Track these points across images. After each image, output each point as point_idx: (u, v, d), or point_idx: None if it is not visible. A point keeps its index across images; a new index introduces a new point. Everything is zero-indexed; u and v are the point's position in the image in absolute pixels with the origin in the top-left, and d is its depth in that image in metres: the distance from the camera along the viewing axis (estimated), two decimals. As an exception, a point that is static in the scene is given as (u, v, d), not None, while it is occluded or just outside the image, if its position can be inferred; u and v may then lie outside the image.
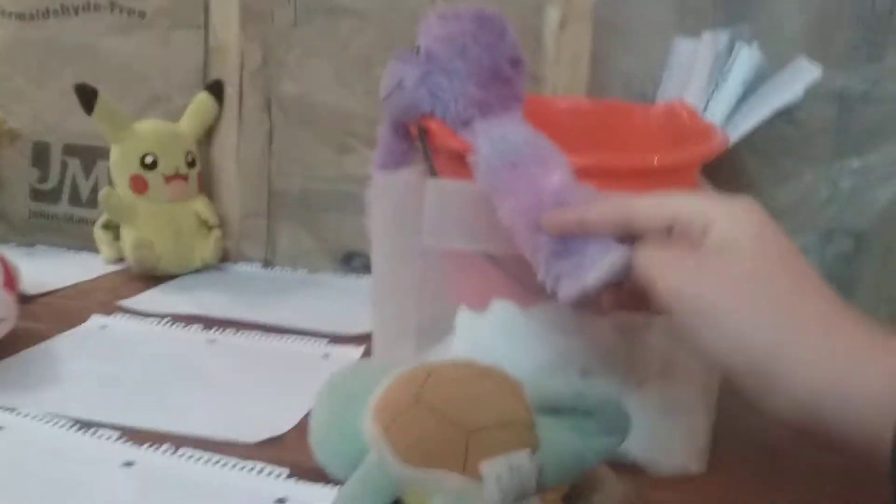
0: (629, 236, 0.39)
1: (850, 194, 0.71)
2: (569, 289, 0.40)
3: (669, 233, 0.37)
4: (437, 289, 0.52)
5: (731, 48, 0.61)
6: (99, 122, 0.81)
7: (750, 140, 0.67)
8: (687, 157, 0.49)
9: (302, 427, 0.51)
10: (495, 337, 0.50)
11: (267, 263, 0.90)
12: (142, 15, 0.89)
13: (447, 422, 0.38)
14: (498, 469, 0.36)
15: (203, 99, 0.87)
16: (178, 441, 0.49)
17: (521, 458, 0.37)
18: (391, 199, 0.51)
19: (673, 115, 0.58)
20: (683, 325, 0.35)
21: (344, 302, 0.79)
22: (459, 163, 0.49)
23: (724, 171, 0.59)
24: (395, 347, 0.53)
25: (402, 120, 0.52)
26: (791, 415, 0.32)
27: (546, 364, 0.49)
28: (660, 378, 0.49)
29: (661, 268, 0.36)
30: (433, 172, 0.49)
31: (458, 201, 0.47)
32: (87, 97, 0.79)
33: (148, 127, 0.84)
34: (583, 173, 0.45)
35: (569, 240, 0.40)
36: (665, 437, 0.48)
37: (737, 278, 0.34)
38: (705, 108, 0.60)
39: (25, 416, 0.51)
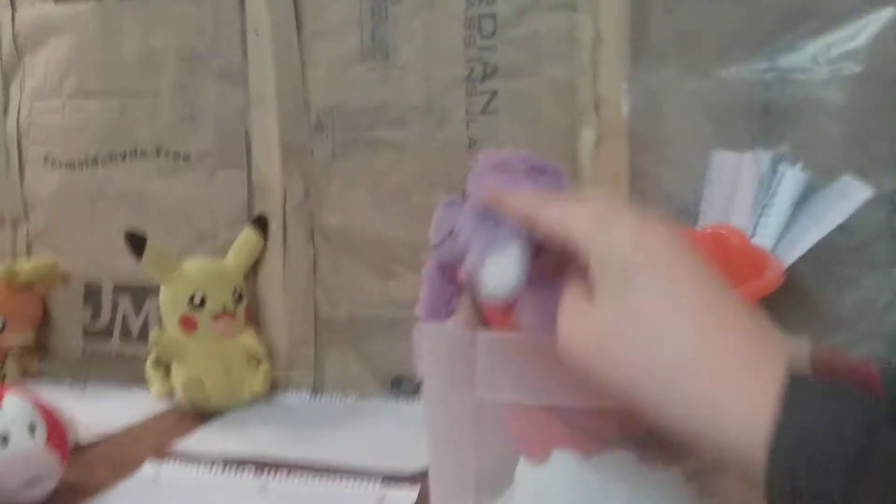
0: None
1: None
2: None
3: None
4: (494, 438, 0.50)
5: (774, 168, 0.61)
6: (148, 268, 0.83)
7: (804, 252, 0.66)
8: (749, 293, 0.48)
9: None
10: (558, 490, 0.48)
11: (316, 391, 0.90)
12: (186, 158, 0.92)
13: None
14: None
15: (248, 234, 0.88)
16: None
17: None
18: (440, 351, 0.50)
19: (721, 239, 0.58)
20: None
21: (395, 430, 0.77)
22: (511, 313, 0.48)
23: (781, 283, 0.58)
24: (453, 499, 0.51)
25: (451, 264, 0.52)
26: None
27: (613, 517, 0.47)
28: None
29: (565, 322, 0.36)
30: (484, 322, 0.49)
31: (512, 354, 0.46)
32: (136, 245, 0.81)
33: (195, 267, 0.85)
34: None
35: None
36: None
37: (625, 317, 0.33)
38: (754, 232, 0.59)
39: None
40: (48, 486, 0.60)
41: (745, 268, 0.52)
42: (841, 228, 0.68)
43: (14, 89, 1.00)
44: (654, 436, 0.49)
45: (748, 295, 0.49)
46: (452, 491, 0.52)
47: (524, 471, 0.50)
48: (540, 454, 0.49)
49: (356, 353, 0.89)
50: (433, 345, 0.50)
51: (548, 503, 0.48)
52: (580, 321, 0.35)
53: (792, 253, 0.58)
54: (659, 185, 0.75)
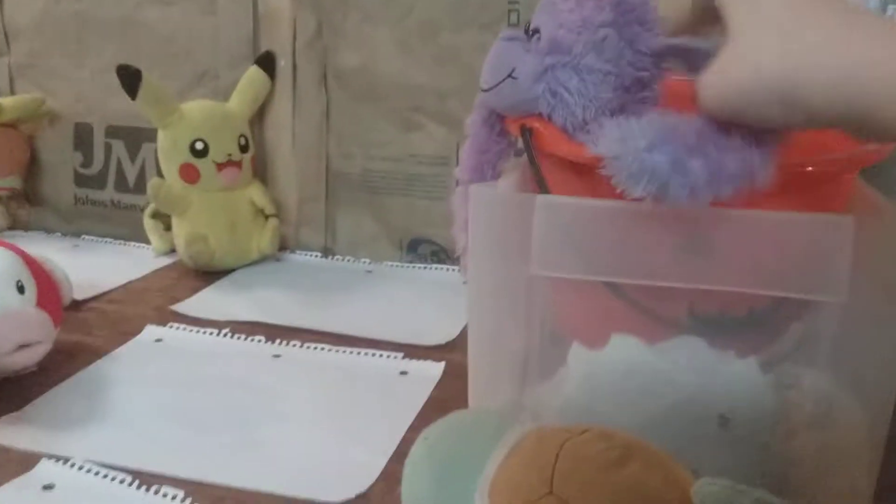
0: None
1: None
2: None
3: None
4: (545, 318, 0.44)
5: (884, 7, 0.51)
6: (144, 107, 0.74)
7: None
8: (848, 161, 0.40)
9: (389, 478, 0.45)
10: (616, 376, 0.42)
11: (327, 252, 0.83)
12: (184, -19, 0.80)
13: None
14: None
15: (253, 74, 0.79)
16: (254, 500, 0.43)
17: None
18: (488, 217, 0.43)
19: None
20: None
21: (414, 300, 0.72)
22: (575, 174, 0.40)
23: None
24: (495, 384, 0.46)
25: (504, 114, 0.44)
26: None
27: (677, 409, 0.42)
28: (814, 429, 0.41)
29: None
30: (542, 186, 0.41)
31: (575, 221, 0.39)
32: (130, 80, 0.72)
33: (196, 109, 0.76)
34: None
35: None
36: (821, 498, 0.40)
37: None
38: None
39: (80, 469, 0.45)
40: (41, 349, 0.54)
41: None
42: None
43: None
44: (728, 320, 0.43)
45: (853, 162, 0.41)
46: (495, 373, 0.46)
47: (578, 355, 0.44)
48: (597, 338, 0.43)
49: (371, 211, 0.81)
50: (482, 210, 0.43)
51: (604, 392, 0.43)
52: (727, 62, 0.33)
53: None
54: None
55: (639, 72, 0.39)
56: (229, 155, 0.76)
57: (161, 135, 0.76)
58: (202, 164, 0.75)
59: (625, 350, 0.42)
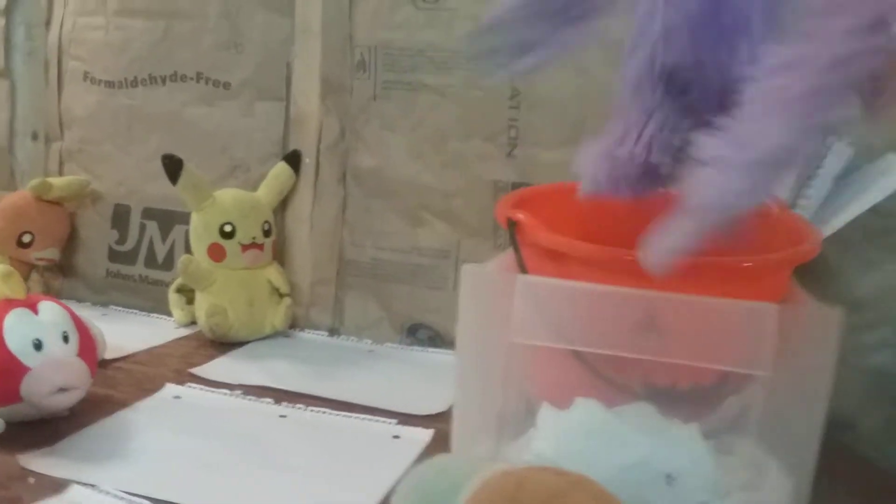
0: None
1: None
2: None
3: None
4: (520, 382, 0.51)
5: (822, 142, 0.61)
6: (182, 192, 0.83)
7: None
8: (784, 260, 0.48)
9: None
10: (578, 435, 0.49)
11: (333, 332, 0.91)
12: (227, 86, 0.92)
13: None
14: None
15: (281, 169, 0.89)
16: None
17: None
18: (477, 292, 0.51)
19: (763, 208, 0.57)
20: None
21: (410, 376, 0.78)
22: (550, 260, 0.49)
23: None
24: (475, 438, 0.52)
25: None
26: None
27: (630, 466, 0.48)
28: (746, 490, 0.47)
29: None
30: (522, 268, 0.49)
31: (549, 299, 0.47)
32: (173, 168, 0.82)
33: (228, 196, 0.86)
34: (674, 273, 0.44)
35: None
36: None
37: None
38: (794, 203, 0.59)
39: (105, 494, 0.52)
40: (78, 395, 0.61)
41: (784, 234, 0.52)
42: (874, 210, 0.68)
43: (58, 2, 1.00)
44: (676, 391, 0.50)
45: (786, 261, 0.49)
46: (475, 428, 0.52)
47: (547, 415, 0.50)
48: (563, 400, 0.50)
49: (376, 296, 0.89)
50: (472, 285, 0.50)
51: (567, 449, 0.49)
52: None
53: (829, 226, 0.58)
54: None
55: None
56: (254, 238, 0.85)
57: (195, 217, 0.85)
58: (229, 245, 0.84)
59: (587, 411, 0.49)
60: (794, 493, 0.47)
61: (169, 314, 0.91)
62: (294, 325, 0.91)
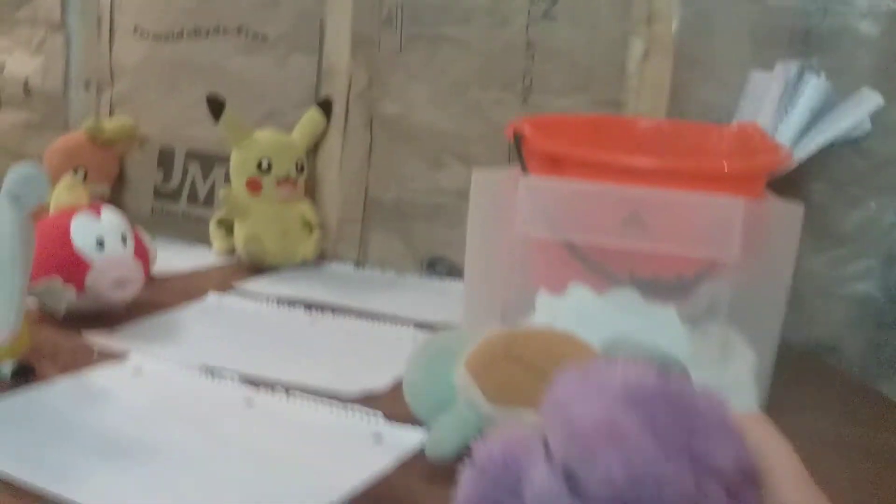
0: None
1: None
2: None
3: None
4: (522, 274, 0.58)
5: (800, 78, 0.67)
6: (224, 130, 0.91)
7: (820, 168, 0.72)
8: (753, 167, 0.55)
9: (395, 389, 0.58)
10: (571, 317, 0.56)
11: (359, 264, 0.98)
12: (264, 39, 1.00)
13: (531, 369, 0.44)
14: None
15: (313, 114, 0.96)
16: (289, 386, 0.57)
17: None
18: (489, 194, 0.58)
19: (745, 135, 0.64)
20: None
21: (428, 298, 0.86)
22: (549, 164, 0.56)
23: (796, 194, 0.64)
24: (481, 322, 0.60)
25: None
26: None
27: (616, 345, 0.55)
28: (717, 365, 0.54)
29: None
30: (525, 172, 0.56)
31: (547, 196, 0.54)
32: (216, 107, 0.90)
33: (265, 136, 0.94)
34: (657, 176, 0.51)
35: None
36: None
37: None
38: (775, 131, 0.65)
39: (161, 360, 0.60)
40: (133, 289, 0.69)
41: (762, 154, 0.59)
42: (859, 150, 0.74)
43: (111, -38, 1.08)
44: (658, 281, 0.57)
45: (758, 168, 0.56)
46: (482, 317, 0.60)
47: (543, 301, 0.58)
48: (558, 288, 0.57)
49: (399, 233, 0.97)
50: (482, 187, 0.58)
51: (561, 326, 0.57)
52: None
53: (806, 150, 0.64)
54: (698, 98, 0.81)
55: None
56: (288, 174, 0.93)
57: (234, 153, 0.93)
58: (265, 180, 0.92)
59: (579, 297, 0.56)
60: (758, 364, 0.54)
61: (210, 247, 0.99)
62: (322, 257, 0.98)
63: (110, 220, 0.70)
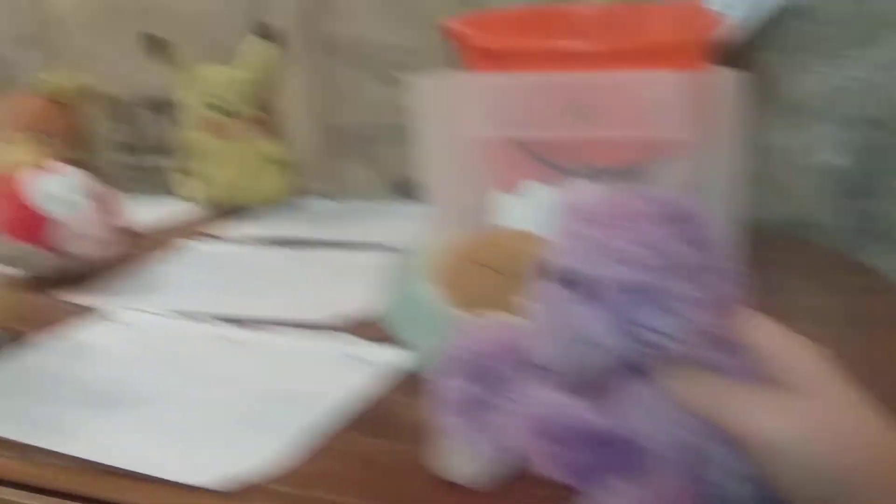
0: None
1: (867, 85, 0.75)
2: None
3: None
4: (477, 177, 0.59)
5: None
6: (168, 69, 0.89)
7: (770, 36, 0.72)
8: (690, 38, 0.55)
9: (371, 312, 0.59)
10: (527, 212, 0.57)
11: (328, 195, 0.98)
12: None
13: (493, 272, 0.46)
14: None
15: (258, 44, 0.94)
16: (266, 321, 0.59)
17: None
18: (433, 101, 0.58)
19: (685, 11, 0.64)
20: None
21: (401, 224, 0.85)
22: (489, 60, 0.56)
23: (746, 65, 0.64)
24: (444, 230, 0.61)
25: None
26: None
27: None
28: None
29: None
30: (464, 69, 0.56)
31: (488, 93, 0.54)
32: (155, 46, 0.88)
33: (212, 71, 0.91)
34: (596, 59, 0.51)
35: None
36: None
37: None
38: (724, 4, 0.65)
39: (146, 312, 0.62)
40: (103, 244, 0.70)
41: (702, 27, 0.59)
42: (808, 17, 0.74)
43: None
44: (613, 170, 0.58)
45: (699, 37, 0.56)
46: (445, 223, 0.61)
47: (500, 201, 0.59)
48: (512, 185, 0.58)
49: (366, 159, 0.97)
50: (433, 93, 0.58)
51: (519, 224, 0.58)
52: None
53: (755, 19, 0.64)
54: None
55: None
56: (242, 110, 0.91)
57: (183, 94, 0.91)
58: (220, 118, 0.91)
59: (532, 192, 0.57)
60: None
61: (173, 196, 0.98)
62: (293, 193, 0.98)
63: (76, 179, 0.70)
